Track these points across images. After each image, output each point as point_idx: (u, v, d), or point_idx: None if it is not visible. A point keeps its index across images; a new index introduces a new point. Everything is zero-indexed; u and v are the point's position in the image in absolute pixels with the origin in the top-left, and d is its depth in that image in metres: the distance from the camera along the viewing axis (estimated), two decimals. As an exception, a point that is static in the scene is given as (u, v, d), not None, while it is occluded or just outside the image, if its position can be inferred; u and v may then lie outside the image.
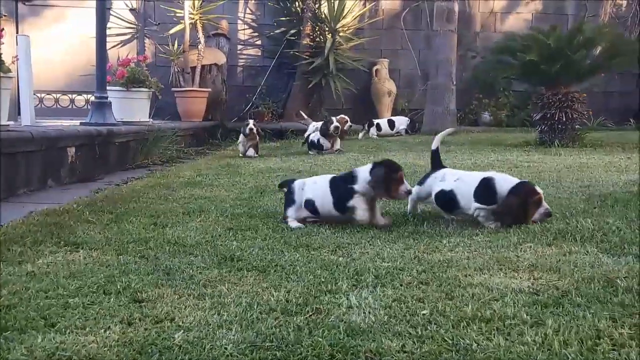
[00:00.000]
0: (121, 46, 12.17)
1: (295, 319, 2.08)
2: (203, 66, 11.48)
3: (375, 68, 12.74)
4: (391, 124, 11.12)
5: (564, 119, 8.34)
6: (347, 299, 2.26)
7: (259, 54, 12.98)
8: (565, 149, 7.74)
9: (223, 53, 12.12)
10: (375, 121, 11.08)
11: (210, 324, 2.04)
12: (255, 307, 2.19)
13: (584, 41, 8.41)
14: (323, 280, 2.49)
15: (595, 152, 7.42)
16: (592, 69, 8.85)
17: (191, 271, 2.64)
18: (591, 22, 11.63)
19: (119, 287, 2.41)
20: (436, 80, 11.66)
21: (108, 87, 7.24)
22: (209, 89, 11.53)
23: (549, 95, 8.45)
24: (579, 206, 3.87)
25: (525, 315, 2.06)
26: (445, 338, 1.90)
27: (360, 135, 10.68)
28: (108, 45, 7.60)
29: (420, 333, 1.94)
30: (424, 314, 2.10)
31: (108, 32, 7.59)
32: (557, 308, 2.14)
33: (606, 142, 8.49)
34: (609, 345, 1.84)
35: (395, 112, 12.39)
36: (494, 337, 1.90)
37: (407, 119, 11.31)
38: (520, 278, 2.49)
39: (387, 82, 12.78)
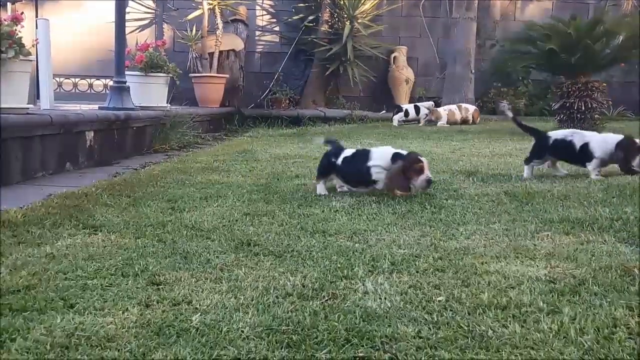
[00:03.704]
0: (139, 31, 12.19)
1: (311, 303, 2.09)
2: (221, 52, 11.48)
3: (393, 55, 12.66)
4: (417, 109, 11.03)
5: (583, 108, 8.29)
6: (363, 285, 2.26)
7: (277, 40, 12.96)
8: (584, 139, 7.66)
9: (241, 39, 12.10)
10: (404, 107, 10.99)
11: (227, 307, 2.06)
12: (271, 291, 2.21)
13: (605, 31, 8.33)
14: (339, 266, 2.49)
15: (615, 142, 7.32)
16: (613, 59, 8.77)
17: (208, 255, 2.66)
18: (612, 11, 11.50)
19: (136, 269, 2.43)
20: (454, 68, 11.60)
21: (126, 72, 7.25)
22: (227, 75, 11.52)
23: (569, 85, 8.39)
24: (597, 195, 3.84)
25: (541, 303, 2.06)
26: (461, 324, 1.91)
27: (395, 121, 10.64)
28: (127, 30, 7.60)
29: (436, 319, 1.95)
30: (439, 301, 2.11)
31: (127, 16, 7.59)
32: (573, 296, 2.14)
33: (625, 132, 8.38)
34: (625, 333, 1.83)
35: (412, 101, 12.30)
36: (510, 324, 1.91)
37: (431, 103, 11.16)
38: (537, 266, 2.48)
39: (405, 70, 12.70)
